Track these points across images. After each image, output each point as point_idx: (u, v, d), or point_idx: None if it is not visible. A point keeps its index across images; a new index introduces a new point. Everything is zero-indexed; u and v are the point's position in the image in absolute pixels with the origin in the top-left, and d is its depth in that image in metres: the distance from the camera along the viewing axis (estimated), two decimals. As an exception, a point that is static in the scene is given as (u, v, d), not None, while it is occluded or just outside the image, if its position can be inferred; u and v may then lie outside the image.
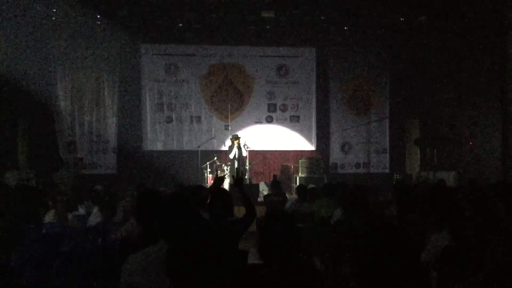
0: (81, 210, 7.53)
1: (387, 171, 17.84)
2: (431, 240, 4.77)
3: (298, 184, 14.35)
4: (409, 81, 17.23)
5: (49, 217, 6.49)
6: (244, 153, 15.04)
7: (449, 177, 13.87)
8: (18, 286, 4.56)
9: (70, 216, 6.79)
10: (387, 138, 18.11)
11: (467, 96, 14.74)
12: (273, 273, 2.80)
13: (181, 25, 16.04)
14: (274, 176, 14.64)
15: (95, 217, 6.56)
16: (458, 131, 15.16)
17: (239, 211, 4.92)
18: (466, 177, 13.43)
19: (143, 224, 4.39)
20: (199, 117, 17.33)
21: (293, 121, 17.76)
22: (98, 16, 15.33)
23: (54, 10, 14.84)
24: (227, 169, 15.28)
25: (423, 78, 16.69)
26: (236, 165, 14.81)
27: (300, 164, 16.59)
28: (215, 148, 16.87)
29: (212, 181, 15.24)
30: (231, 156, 14.95)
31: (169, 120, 17.22)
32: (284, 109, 17.72)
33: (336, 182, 9.95)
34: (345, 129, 17.88)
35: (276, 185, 10.95)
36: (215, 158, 15.72)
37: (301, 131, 17.78)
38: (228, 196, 4.74)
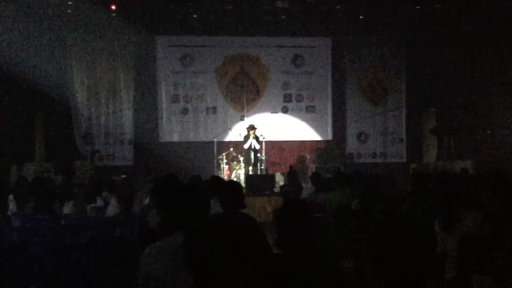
0: (99, 202, 7.59)
1: (404, 160, 17.73)
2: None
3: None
4: (425, 70, 17.07)
5: (67, 208, 6.56)
6: (257, 146, 14.94)
7: (467, 166, 13.74)
8: (38, 275, 4.63)
9: (88, 207, 6.86)
10: (404, 127, 18.01)
11: (484, 84, 14.57)
12: (291, 262, 2.80)
13: (195, 16, 16.03)
14: (290, 166, 14.62)
15: (112, 208, 6.62)
16: (476, 119, 15.00)
17: (249, 202, 4.95)
18: (484, 166, 13.31)
19: (162, 211, 4.41)
20: (214, 108, 17.32)
21: (309, 111, 17.68)
22: (113, 8, 15.36)
23: (70, 3, 14.91)
24: (242, 160, 15.26)
25: (439, 66, 16.53)
26: (252, 155, 14.77)
27: (316, 154, 16.53)
28: (231, 139, 16.84)
29: (228, 172, 15.27)
30: (246, 146, 14.89)
31: (185, 111, 17.23)
32: (299, 99, 17.66)
33: (351, 172, 9.91)
34: (361, 119, 17.78)
35: (292, 175, 10.92)
36: (231, 149, 15.69)
37: (317, 121, 17.71)
38: (240, 188, 4.78)
